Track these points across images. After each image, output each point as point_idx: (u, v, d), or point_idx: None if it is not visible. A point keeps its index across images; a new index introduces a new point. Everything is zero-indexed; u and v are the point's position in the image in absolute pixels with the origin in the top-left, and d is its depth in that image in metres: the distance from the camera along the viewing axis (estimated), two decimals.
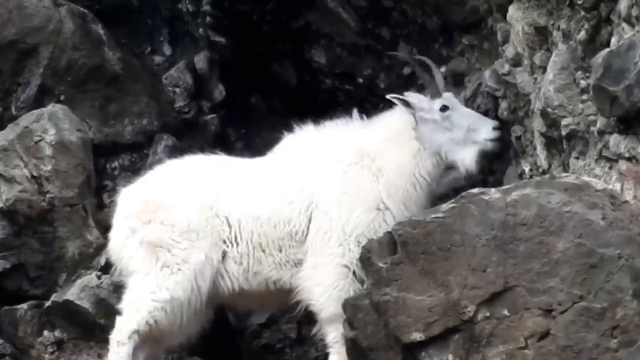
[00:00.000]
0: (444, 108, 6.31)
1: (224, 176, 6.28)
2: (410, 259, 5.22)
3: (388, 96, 6.37)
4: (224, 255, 6.15)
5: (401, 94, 6.36)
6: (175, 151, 7.42)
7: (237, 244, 6.15)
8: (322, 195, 6.15)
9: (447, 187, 6.76)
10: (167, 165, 6.46)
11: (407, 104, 6.30)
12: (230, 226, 6.16)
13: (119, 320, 6.05)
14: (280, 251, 6.14)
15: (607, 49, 5.21)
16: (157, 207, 6.14)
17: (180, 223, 6.10)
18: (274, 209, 6.15)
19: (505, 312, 5.06)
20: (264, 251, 6.15)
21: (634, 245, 4.98)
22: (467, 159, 6.25)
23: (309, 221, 6.14)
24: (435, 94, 6.34)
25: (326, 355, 6.12)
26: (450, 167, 6.39)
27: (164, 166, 6.48)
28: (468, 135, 6.26)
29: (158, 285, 6.03)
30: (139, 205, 6.18)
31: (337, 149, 6.30)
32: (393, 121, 6.36)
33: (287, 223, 6.14)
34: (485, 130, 6.27)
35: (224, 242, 6.15)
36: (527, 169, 6.30)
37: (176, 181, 6.27)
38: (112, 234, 6.29)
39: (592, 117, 5.44)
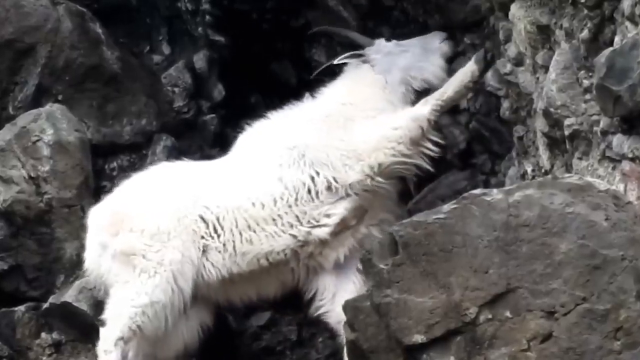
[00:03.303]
0: (388, 39, 6.50)
1: (191, 179, 6.27)
2: (412, 260, 5.18)
3: (336, 61, 6.50)
4: (205, 248, 6.09)
5: None
6: (174, 151, 7.40)
7: (219, 235, 6.11)
8: (310, 144, 6.17)
9: (448, 189, 6.75)
10: (132, 178, 6.44)
11: (357, 55, 6.45)
12: (205, 222, 6.11)
13: (102, 330, 6.03)
14: (276, 224, 6.10)
15: (610, 48, 5.17)
16: (124, 216, 6.12)
17: (150, 226, 6.07)
18: (258, 193, 6.12)
19: (508, 314, 5.03)
20: (254, 231, 6.10)
21: (637, 247, 4.94)
22: (435, 67, 6.39)
23: (312, 177, 6.11)
24: (370, 43, 6.53)
25: (327, 357, 6.11)
26: (422, 92, 6.42)
27: (129, 179, 6.45)
28: (424, 48, 6.42)
29: (137, 292, 6.00)
30: (107, 219, 6.17)
31: (307, 114, 6.35)
32: (352, 73, 6.48)
33: (279, 198, 6.11)
34: (437, 37, 6.49)
35: (202, 237, 6.10)
36: (529, 170, 6.27)
37: (142, 190, 6.26)
38: (86, 254, 6.29)
39: (595, 117, 5.41)
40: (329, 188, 6.13)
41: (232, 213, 6.12)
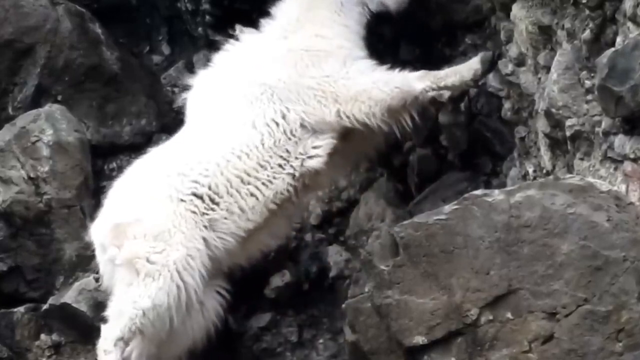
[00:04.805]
0: None
1: (169, 162, 6.19)
2: (412, 261, 5.17)
3: None
4: (211, 222, 6.04)
5: None
6: None
7: (218, 203, 6.05)
8: (277, 85, 6.12)
9: (449, 189, 6.74)
10: (116, 185, 6.37)
11: None
12: (200, 197, 6.05)
13: (103, 328, 5.98)
14: (266, 169, 6.07)
15: (612, 49, 5.16)
16: (126, 226, 6.04)
17: (150, 229, 6.00)
18: (238, 146, 6.08)
19: (509, 315, 5.02)
20: (248, 183, 6.06)
21: (639, 248, 4.94)
22: None
23: (284, 115, 6.08)
24: None
25: (328, 358, 6.08)
26: (379, 13, 6.43)
27: (114, 187, 6.37)
28: None
29: (140, 294, 5.92)
30: (110, 233, 6.11)
31: (265, 51, 6.30)
32: None
33: (260, 144, 6.07)
34: None
35: (204, 214, 6.04)
36: (531, 170, 6.25)
37: (131, 193, 6.19)
38: (101, 272, 6.24)
39: (597, 118, 5.40)
40: (302, 125, 6.13)
41: (221, 175, 6.05)
